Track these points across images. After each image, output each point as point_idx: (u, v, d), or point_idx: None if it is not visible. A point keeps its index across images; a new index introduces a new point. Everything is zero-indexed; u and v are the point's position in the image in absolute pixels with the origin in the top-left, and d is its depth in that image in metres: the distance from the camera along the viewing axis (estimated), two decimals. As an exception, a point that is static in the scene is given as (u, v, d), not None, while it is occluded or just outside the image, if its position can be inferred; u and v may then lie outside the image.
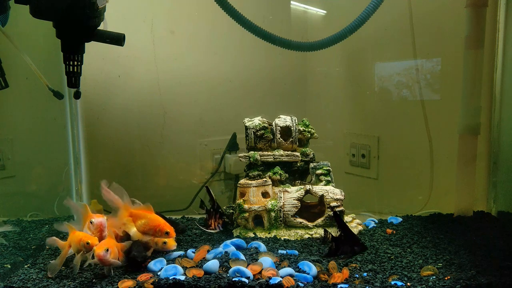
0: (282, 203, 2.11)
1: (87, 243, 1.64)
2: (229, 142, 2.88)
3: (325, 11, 2.99)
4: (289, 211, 2.11)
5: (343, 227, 1.75)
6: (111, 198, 1.81)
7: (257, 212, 2.12)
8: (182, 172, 2.86)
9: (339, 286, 1.55)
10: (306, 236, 2.08)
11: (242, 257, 1.74)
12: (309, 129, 2.30)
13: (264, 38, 2.41)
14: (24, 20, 1.98)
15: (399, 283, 1.57)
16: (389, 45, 2.75)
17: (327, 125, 2.93)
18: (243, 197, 2.15)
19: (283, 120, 2.25)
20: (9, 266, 1.81)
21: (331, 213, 2.10)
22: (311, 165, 2.27)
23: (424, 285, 1.56)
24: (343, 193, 2.15)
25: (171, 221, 2.07)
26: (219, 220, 1.75)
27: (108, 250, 1.60)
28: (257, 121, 2.24)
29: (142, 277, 1.61)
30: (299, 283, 1.57)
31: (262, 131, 2.22)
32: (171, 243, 1.82)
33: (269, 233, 2.10)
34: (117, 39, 1.67)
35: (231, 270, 1.63)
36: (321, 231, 2.09)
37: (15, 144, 2.50)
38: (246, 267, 1.64)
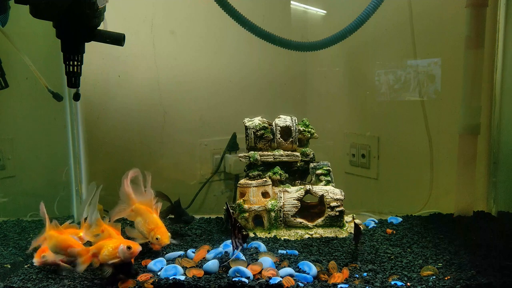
0: (282, 203, 2.11)
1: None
2: (229, 142, 2.88)
3: (325, 11, 2.99)
4: (289, 211, 2.11)
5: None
6: (128, 192, 1.87)
7: (257, 212, 2.12)
8: (182, 172, 2.86)
9: (339, 286, 1.55)
10: (306, 236, 2.08)
11: (242, 257, 1.74)
12: (309, 129, 2.30)
13: (264, 38, 2.41)
14: (24, 20, 1.98)
15: (399, 283, 1.57)
16: (389, 45, 2.75)
17: (327, 125, 2.93)
18: (243, 197, 2.15)
19: (283, 120, 2.25)
20: (9, 266, 1.81)
21: (331, 213, 2.10)
22: (311, 165, 2.27)
23: (424, 285, 1.56)
24: (343, 193, 2.15)
25: (180, 210, 2.11)
26: (238, 235, 1.70)
27: (45, 256, 1.68)
28: (257, 121, 2.24)
29: (142, 277, 1.61)
30: (299, 283, 1.57)
31: (262, 131, 2.22)
32: (164, 240, 1.77)
33: (269, 233, 2.10)
34: (117, 39, 1.67)
35: (231, 270, 1.63)
36: (321, 231, 2.09)
37: (15, 144, 2.50)
38: (246, 267, 1.64)
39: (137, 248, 1.57)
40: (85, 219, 1.84)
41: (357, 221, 2.07)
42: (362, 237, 2.10)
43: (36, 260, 1.71)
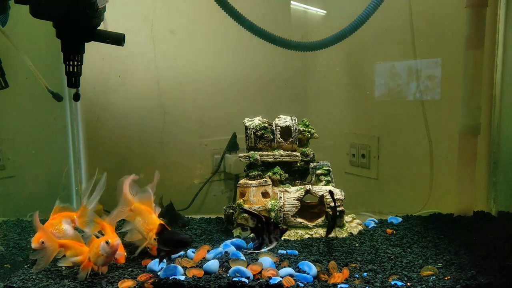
0: (282, 203, 2.11)
1: None
2: (229, 142, 2.88)
3: (325, 11, 2.99)
4: (289, 211, 2.11)
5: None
6: (125, 192, 1.85)
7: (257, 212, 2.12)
8: (182, 172, 2.86)
9: (339, 286, 1.55)
10: (306, 236, 2.08)
11: (242, 257, 1.74)
12: (309, 129, 2.30)
13: (264, 38, 2.41)
14: (24, 20, 1.97)
15: (399, 283, 1.57)
16: (389, 45, 2.75)
17: (327, 125, 2.93)
18: (243, 197, 2.15)
19: (283, 120, 2.25)
20: (9, 266, 1.81)
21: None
22: (311, 165, 2.27)
23: (424, 285, 1.56)
24: (343, 193, 2.15)
25: (174, 213, 2.11)
26: (275, 231, 1.70)
27: (43, 242, 1.64)
28: (257, 121, 2.24)
29: (142, 277, 1.61)
30: (299, 283, 1.57)
31: (262, 131, 2.22)
32: None
33: (269, 233, 2.10)
34: (117, 39, 1.67)
35: (231, 270, 1.63)
36: (321, 231, 2.09)
37: (15, 144, 2.50)
38: (246, 267, 1.64)
39: (115, 241, 1.59)
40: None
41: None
42: (362, 237, 2.11)
43: (33, 245, 1.66)
